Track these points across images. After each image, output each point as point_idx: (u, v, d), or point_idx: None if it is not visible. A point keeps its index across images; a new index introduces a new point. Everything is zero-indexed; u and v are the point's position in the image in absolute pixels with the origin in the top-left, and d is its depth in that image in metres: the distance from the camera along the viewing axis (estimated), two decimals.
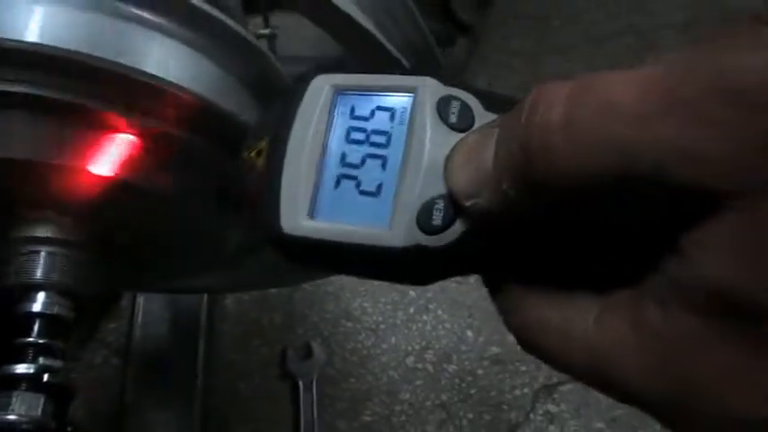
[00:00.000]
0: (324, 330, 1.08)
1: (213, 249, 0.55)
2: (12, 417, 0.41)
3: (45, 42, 0.35)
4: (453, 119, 0.25)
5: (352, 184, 0.26)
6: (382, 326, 1.09)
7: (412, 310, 1.10)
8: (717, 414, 0.19)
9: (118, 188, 0.42)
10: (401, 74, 0.27)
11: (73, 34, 0.36)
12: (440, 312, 1.10)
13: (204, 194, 0.47)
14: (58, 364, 0.43)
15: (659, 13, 1.42)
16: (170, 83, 0.38)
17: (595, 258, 0.23)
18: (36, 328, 0.43)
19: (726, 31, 0.19)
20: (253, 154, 0.28)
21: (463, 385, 1.04)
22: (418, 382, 1.04)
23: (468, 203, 0.23)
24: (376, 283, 1.11)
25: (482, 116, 0.25)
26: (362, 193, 0.26)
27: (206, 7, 0.39)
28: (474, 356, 1.06)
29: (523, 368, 1.05)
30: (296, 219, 0.26)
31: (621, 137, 0.19)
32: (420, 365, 1.05)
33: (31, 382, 0.42)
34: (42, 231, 0.43)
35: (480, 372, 1.05)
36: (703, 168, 0.18)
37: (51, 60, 0.35)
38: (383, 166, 0.26)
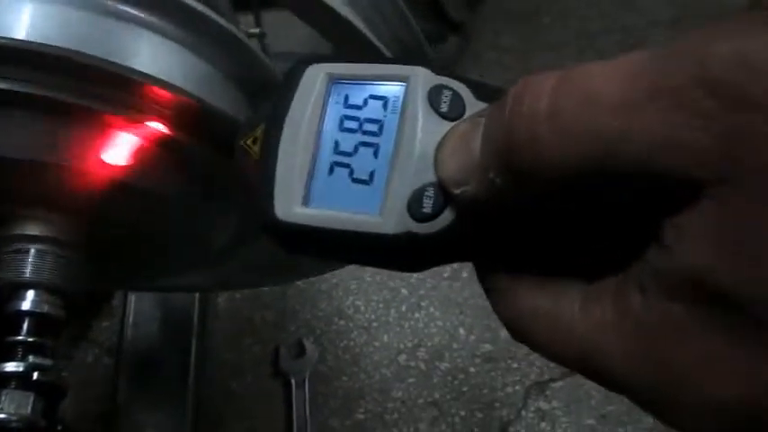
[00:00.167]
0: (316, 328, 1.08)
1: (201, 247, 0.55)
2: (1, 415, 0.41)
3: (33, 39, 0.35)
4: (444, 108, 0.25)
5: (345, 171, 0.27)
6: (375, 324, 1.09)
7: (404, 308, 1.10)
8: (697, 402, 0.19)
9: (107, 186, 0.42)
10: (395, 63, 0.28)
11: (62, 32, 0.36)
12: (432, 310, 1.10)
13: (194, 192, 0.47)
14: (47, 362, 0.43)
15: (648, 11, 1.43)
16: (160, 80, 0.38)
17: (581, 246, 0.24)
18: (25, 326, 0.43)
19: (709, 22, 0.19)
20: (249, 142, 0.29)
21: (455, 383, 1.04)
22: (411, 380, 1.04)
23: (456, 191, 0.23)
24: (368, 280, 1.11)
25: (473, 105, 0.25)
26: (355, 180, 0.26)
27: (195, 5, 0.39)
28: (466, 354, 1.06)
29: (515, 365, 1.05)
30: (290, 206, 0.26)
31: (605, 126, 0.19)
32: (412, 363, 1.06)
33: (21, 380, 0.42)
34: (32, 229, 0.43)
35: (472, 369, 1.05)
36: (684, 157, 0.18)
37: (40, 57, 0.35)
38: (375, 154, 0.26)
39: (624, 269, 0.21)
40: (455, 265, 1.09)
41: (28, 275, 0.43)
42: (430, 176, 0.24)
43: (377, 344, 1.07)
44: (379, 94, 0.27)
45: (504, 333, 1.13)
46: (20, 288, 0.43)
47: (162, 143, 0.41)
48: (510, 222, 0.24)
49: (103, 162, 0.40)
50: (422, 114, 0.25)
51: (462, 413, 1.02)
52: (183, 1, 0.39)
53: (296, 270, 0.81)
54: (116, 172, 0.41)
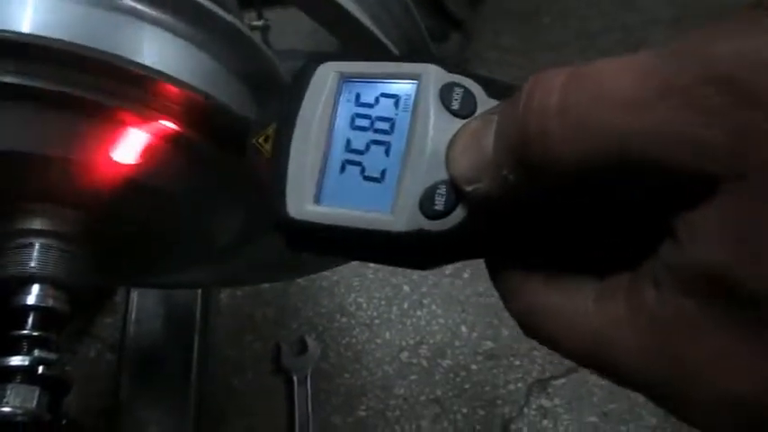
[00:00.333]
0: (318, 325, 1.08)
1: (207, 244, 0.55)
2: (6, 409, 0.41)
3: (40, 33, 0.35)
4: (456, 105, 0.25)
5: (356, 169, 0.27)
6: (377, 321, 1.09)
7: (406, 306, 1.10)
8: (710, 397, 0.19)
9: (113, 181, 0.42)
10: (406, 61, 0.27)
11: (68, 26, 0.36)
12: (434, 307, 1.10)
13: (201, 189, 0.47)
14: (52, 356, 0.43)
15: (648, 10, 1.43)
16: (165, 75, 0.38)
17: (593, 242, 0.24)
18: (30, 320, 0.43)
19: (719, 18, 0.19)
20: (260, 140, 0.29)
21: (457, 380, 1.04)
22: (412, 377, 1.04)
23: (469, 188, 0.23)
24: (370, 277, 1.11)
25: (484, 103, 0.25)
26: (367, 178, 0.26)
27: (202, 0, 0.39)
28: (468, 351, 1.07)
29: (517, 363, 1.05)
30: (302, 204, 0.27)
31: (616, 122, 0.19)
32: (414, 360, 1.06)
33: (26, 374, 0.42)
34: (37, 224, 0.43)
35: (474, 367, 1.05)
36: (698, 153, 0.18)
37: (46, 52, 0.35)
38: (387, 152, 0.26)
39: (637, 265, 0.21)
40: (457, 263, 1.09)
41: (33, 269, 0.44)
42: (442, 174, 0.24)
43: (379, 341, 1.07)
44: (391, 93, 0.27)
45: (505, 330, 1.13)
46: (25, 282, 0.44)
47: (168, 139, 0.41)
48: (522, 219, 0.24)
49: (109, 157, 0.40)
50: (433, 112, 0.25)
51: (464, 410, 1.02)
52: None
53: (299, 269, 0.81)
54: (122, 167, 0.41)
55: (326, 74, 0.28)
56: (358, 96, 0.27)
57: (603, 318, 0.21)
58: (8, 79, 0.36)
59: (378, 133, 0.27)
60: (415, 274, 1.12)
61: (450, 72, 0.26)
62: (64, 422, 0.45)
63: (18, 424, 0.41)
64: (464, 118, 0.25)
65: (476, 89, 0.26)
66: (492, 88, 0.26)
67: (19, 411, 0.41)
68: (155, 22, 0.39)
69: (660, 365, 0.20)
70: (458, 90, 0.25)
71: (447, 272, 1.12)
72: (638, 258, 0.21)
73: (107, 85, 0.38)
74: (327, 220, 0.26)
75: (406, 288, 1.11)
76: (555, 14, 1.45)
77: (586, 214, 0.23)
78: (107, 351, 1.03)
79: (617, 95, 0.19)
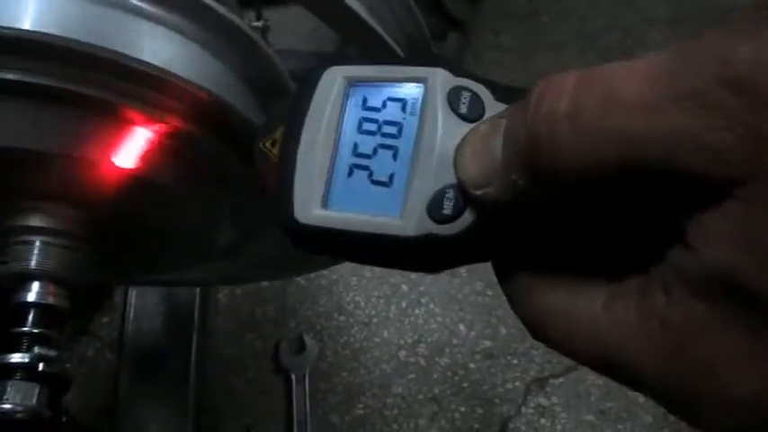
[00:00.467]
0: (317, 324, 1.09)
1: (208, 243, 0.55)
2: (6, 406, 0.41)
3: (42, 30, 0.35)
4: (464, 109, 0.25)
5: (364, 174, 0.27)
6: (375, 319, 1.09)
7: (404, 304, 1.10)
8: (723, 399, 0.19)
9: (113, 179, 0.42)
10: (413, 65, 0.27)
11: (70, 23, 0.36)
12: (432, 306, 1.10)
13: (204, 188, 0.47)
14: (52, 353, 0.43)
15: (648, 9, 1.43)
16: (166, 71, 0.38)
17: (602, 245, 0.24)
18: (31, 317, 0.43)
19: (718, 18, 0.19)
20: (268, 144, 0.29)
21: (455, 379, 1.04)
22: (411, 376, 1.04)
23: (477, 193, 0.23)
24: (368, 276, 1.12)
25: (492, 106, 0.25)
26: (375, 182, 0.26)
27: None
28: (466, 350, 1.07)
29: (515, 362, 1.06)
30: (309, 208, 0.27)
31: (626, 126, 0.19)
32: (412, 359, 1.06)
33: (26, 371, 0.42)
34: (38, 221, 0.43)
35: (472, 365, 1.06)
36: (709, 158, 0.18)
37: (48, 49, 0.35)
38: (395, 156, 0.26)
39: (647, 268, 0.21)
40: None
41: (33, 267, 0.44)
42: (450, 178, 0.24)
43: (377, 340, 1.07)
44: (398, 96, 0.27)
45: (504, 329, 1.13)
46: (25, 279, 0.44)
47: (170, 136, 0.41)
48: (530, 222, 0.24)
49: (111, 154, 0.41)
50: (441, 116, 0.25)
51: (462, 409, 1.02)
52: None
53: (300, 268, 0.81)
54: (123, 165, 0.41)
55: (333, 78, 0.28)
56: (365, 100, 0.27)
57: (613, 321, 0.21)
58: (10, 76, 0.36)
59: (385, 137, 0.27)
60: (413, 273, 1.12)
61: (458, 75, 0.26)
62: (64, 419, 0.45)
63: (18, 421, 0.41)
64: (472, 122, 0.25)
65: (483, 92, 0.26)
66: (499, 91, 0.26)
67: (19, 408, 0.41)
68: (157, 19, 0.39)
69: (671, 369, 0.20)
70: (465, 93, 0.25)
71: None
72: (648, 261, 0.21)
73: (109, 82, 0.38)
74: (335, 224, 0.26)
75: (404, 287, 1.11)
76: (554, 14, 1.45)
77: (595, 217, 0.23)
78: (106, 350, 1.03)
79: (628, 99, 0.19)
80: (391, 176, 0.26)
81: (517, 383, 1.04)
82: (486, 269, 0.28)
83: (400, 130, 0.26)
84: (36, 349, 0.43)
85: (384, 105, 0.27)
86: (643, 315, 0.21)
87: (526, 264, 0.25)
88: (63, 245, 0.45)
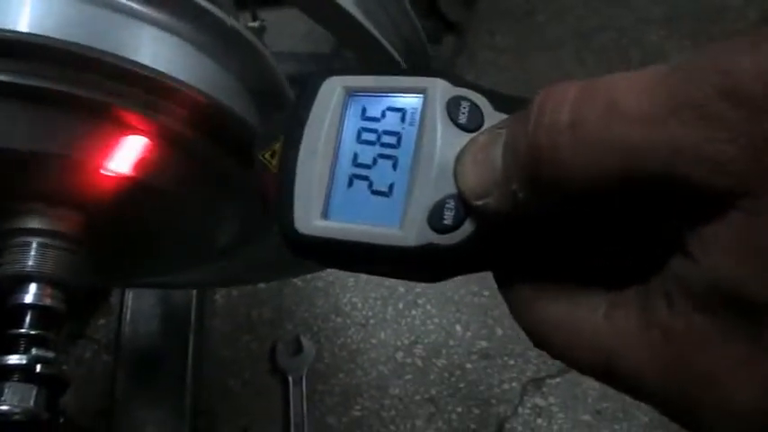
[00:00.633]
0: (313, 325, 1.09)
1: (205, 245, 0.55)
2: (4, 407, 0.41)
3: (38, 32, 0.35)
4: (463, 119, 0.25)
5: (364, 184, 0.27)
6: (372, 321, 1.09)
7: (401, 306, 1.10)
8: (722, 408, 0.20)
9: (111, 181, 0.42)
10: (412, 75, 0.28)
11: (66, 25, 0.36)
12: (429, 307, 1.10)
13: (200, 189, 0.47)
14: (50, 355, 0.43)
15: (643, 9, 1.44)
16: (163, 73, 0.39)
17: (603, 255, 0.24)
18: (28, 319, 0.43)
19: (714, 18, 0.19)
20: (267, 155, 0.29)
21: (452, 379, 1.05)
22: (407, 377, 1.05)
23: (477, 203, 0.23)
24: (365, 277, 1.12)
25: (491, 116, 0.25)
26: (374, 192, 0.26)
27: (199, 0, 0.39)
28: (462, 351, 1.07)
29: (511, 362, 1.06)
30: (309, 219, 0.27)
31: (627, 137, 0.19)
32: (409, 360, 1.06)
33: (24, 372, 0.42)
34: (35, 222, 0.43)
35: (469, 366, 1.06)
36: (710, 169, 0.18)
37: (44, 50, 0.35)
38: (394, 166, 0.26)
39: (647, 277, 0.21)
40: None
41: (30, 268, 0.44)
42: (450, 188, 0.24)
43: (374, 341, 1.08)
44: (397, 107, 0.27)
45: (500, 330, 1.13)
46: (22, 281, 0.44)
47: (167, 138, 0.42)
48: (531, 232, 0.24)
49: (108, 156, 0.41)
50: (440, 126, 0.25)
51: (459, 410, 1.02)
52: None
53: (296, 270, 0.81)
54: (120, 167, 0.41)
55: (332, 88, 0.28)
56: (364, 110, 0.27)
57: (615, 330, 0.22)
58: (5, 78, 0.36)
59: (385, 147, 0.27)
60: None
61: (457, 85, 0.26)
62: (61, 421, 0.45)
63: (16, 422, 0.41)
64: (471, 132, 0.25)
65: (482, 102, 0.26)
66: (498, 101, 0.26)
67: (17, 410, 0.41)
68: (154, 22, 0.39)
69: (673, 378, 0.20)
70: (464, 104, 0.25)
71: None
72: (648, 271, 0.21)
73: (105, 84, 0.38)
74: (335, 234, 0.26)
75: (400, 288, 1.11)
76: (550, 14, 1.45)
77: (595, 228, 0.23)
78: (103, 352, 1.03)
79: (629, 110, 0.19)
80: (391, 186, 0.26)
81: (514, 384, 1.04)
82: None
83: (399, 140, 0.26)
84: (33, 351, 0.43)
85: (383, 115, 0.27)
86: (644, 324, 0.21)
87: (527, 273, 0.25)
88: (60, 247, 0.45)
